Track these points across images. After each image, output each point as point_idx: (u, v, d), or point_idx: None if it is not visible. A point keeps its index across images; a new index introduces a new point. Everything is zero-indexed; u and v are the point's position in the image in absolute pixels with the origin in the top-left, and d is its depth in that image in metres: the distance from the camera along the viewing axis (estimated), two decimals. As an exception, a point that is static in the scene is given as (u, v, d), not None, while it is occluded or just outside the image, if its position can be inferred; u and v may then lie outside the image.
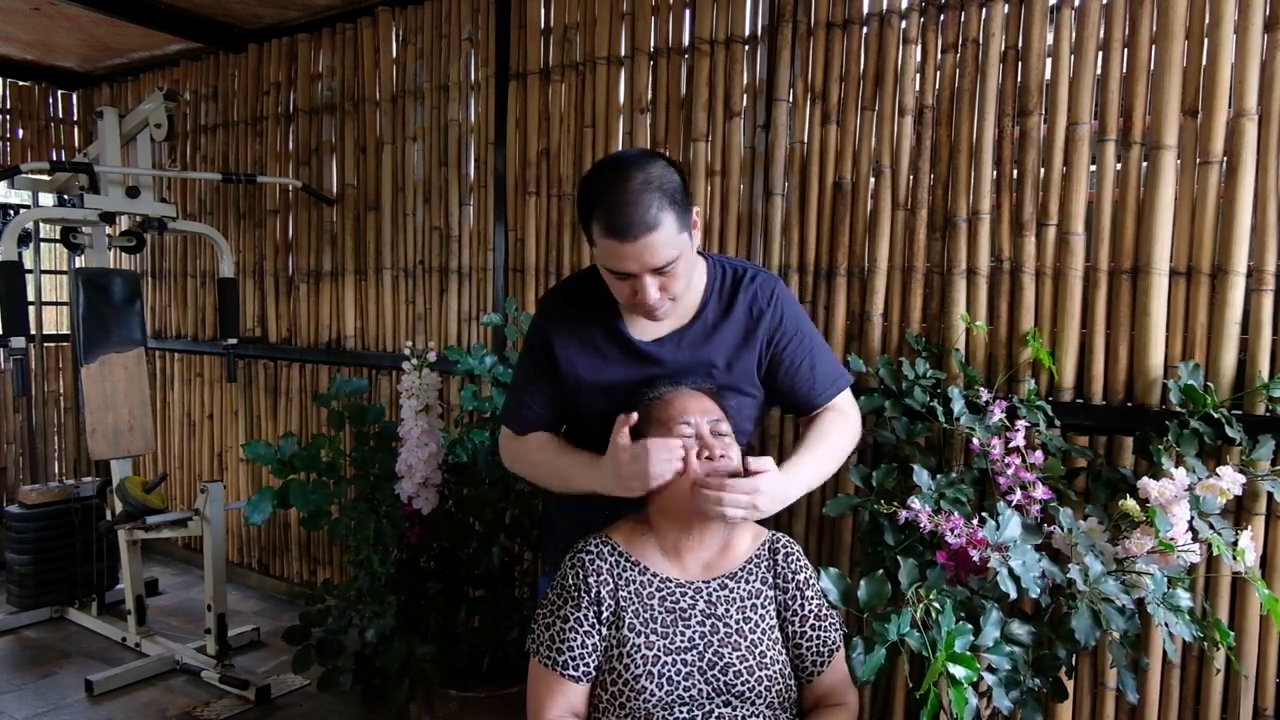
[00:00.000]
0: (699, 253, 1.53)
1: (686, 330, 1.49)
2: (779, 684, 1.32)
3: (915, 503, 1.70)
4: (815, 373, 1.53)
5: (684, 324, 1.49)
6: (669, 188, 1.32)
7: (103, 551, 3.40)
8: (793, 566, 1.39)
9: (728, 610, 1.33)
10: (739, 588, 1.36)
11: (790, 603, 1.37)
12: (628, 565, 1.35)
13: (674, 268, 1.35)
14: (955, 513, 1.67)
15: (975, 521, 1.64)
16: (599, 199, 1.32)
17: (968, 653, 1.34)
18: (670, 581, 1.35)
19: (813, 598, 1.38)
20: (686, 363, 1.48)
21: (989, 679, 1.47)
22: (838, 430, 1.53)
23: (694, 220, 1.40)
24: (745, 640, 1.32)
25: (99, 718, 2.66)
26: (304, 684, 2.84)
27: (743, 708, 1.29)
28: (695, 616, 1.32)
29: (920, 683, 1.34)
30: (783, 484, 1.34)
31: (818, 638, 1.36)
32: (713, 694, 1.28)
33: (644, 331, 1.49)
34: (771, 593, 1.37)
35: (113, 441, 2.97)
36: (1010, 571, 1.51)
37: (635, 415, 1.37)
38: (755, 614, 1.34)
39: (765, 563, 1.39)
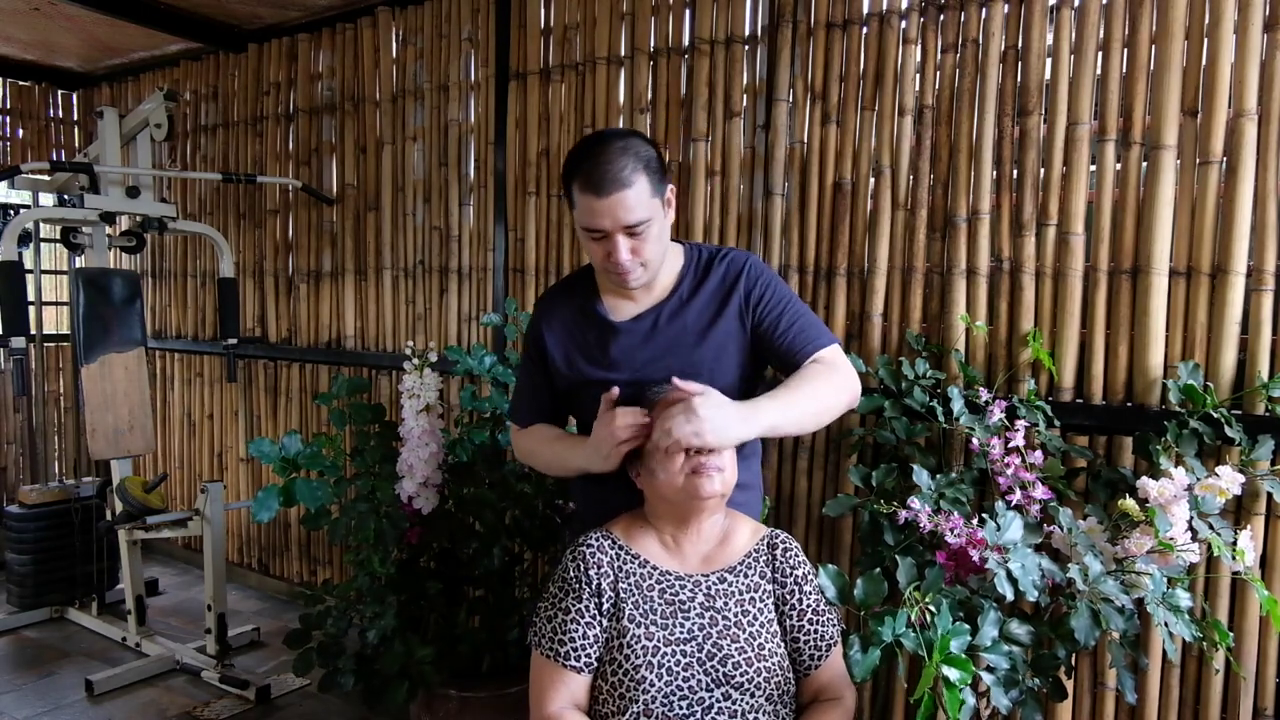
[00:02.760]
0: (678, 240, 1.60)
1: (662, 307, 1.52)
2: (777, 676, 1.33)
3: (915, 502, 1.70)
4: (795, 327, 1.50)
5: (658, 302, 1.53)
6: (644, 155, 1.41)
7: (103, 551, 3.40)
8: (791, 562, 1.41)
9: (726, 603, 1.35)
10: (737, 581, 1.37)
11: (788, 597, 1.39)
12: (628, 558, 1.37)
13: (646, 230, 1.41)
14: (955, 513, 1.67)
15: (975, 521, 1.64)
16: (580, 162, 1.41)
17: (963, 654, 1.33)
18: (670, 574, 1.37)
19: (810, 593, 1.40)
20: (659, 342, 1.50)
21: (987, 679, 1.47)
22: (819, 377, 1.44)
23: (668, 197, 1.48)
24: (744, 632, 1.33)
25: (99, 718, 2.66)
26: (304, 684, 2.84)
27: (742, 699, 1.30)
28: (694, 609, 1.34)
29: (915, 685, 1.34)
30: (727, 408, 1.29)
31: (815, 632, 1.38)
32: (712, 685, 1.29)
33: (621, 313, 1.54)
34: (770, 587, 1.39)
35: (113, 441, 2.97)
36: (1008, 573, 1.52)
37: (616, 390, 1.42)
38: (754, 607, 1.36)
39: (764, 558, 1.41)
